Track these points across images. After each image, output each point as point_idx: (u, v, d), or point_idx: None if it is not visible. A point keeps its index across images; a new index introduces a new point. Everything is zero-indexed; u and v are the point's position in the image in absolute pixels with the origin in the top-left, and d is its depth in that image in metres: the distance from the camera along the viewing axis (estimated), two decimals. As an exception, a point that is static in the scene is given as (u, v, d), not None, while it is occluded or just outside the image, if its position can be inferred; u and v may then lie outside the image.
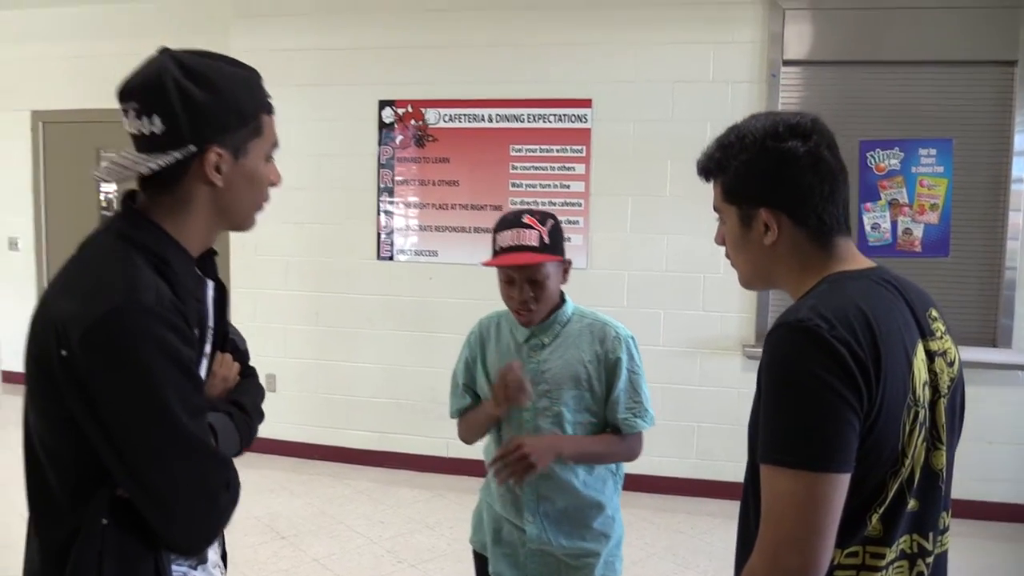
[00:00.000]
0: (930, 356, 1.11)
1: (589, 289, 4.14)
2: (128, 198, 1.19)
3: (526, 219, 1.82)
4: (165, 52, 1.16)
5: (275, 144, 1.25)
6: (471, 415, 2.00)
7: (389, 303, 4.76)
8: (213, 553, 1.31)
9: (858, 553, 1.06)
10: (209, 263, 1.28)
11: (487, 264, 1.84)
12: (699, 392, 4.34)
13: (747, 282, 1.26)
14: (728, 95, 4.25)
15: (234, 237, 4.94)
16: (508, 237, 1.81)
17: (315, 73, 4.77)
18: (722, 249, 1.28)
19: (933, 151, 4.04)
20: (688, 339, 4.37)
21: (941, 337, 1.15)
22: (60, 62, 5.97)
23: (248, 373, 1.40)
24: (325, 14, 4.74)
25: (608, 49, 4.38)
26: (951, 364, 1.15)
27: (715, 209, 1.25)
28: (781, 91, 4.21)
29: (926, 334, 1.12)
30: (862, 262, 1.17)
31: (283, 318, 4.91)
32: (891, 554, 1.08)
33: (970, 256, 4.14)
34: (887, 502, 1.05)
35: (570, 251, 1.90)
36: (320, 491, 4.42)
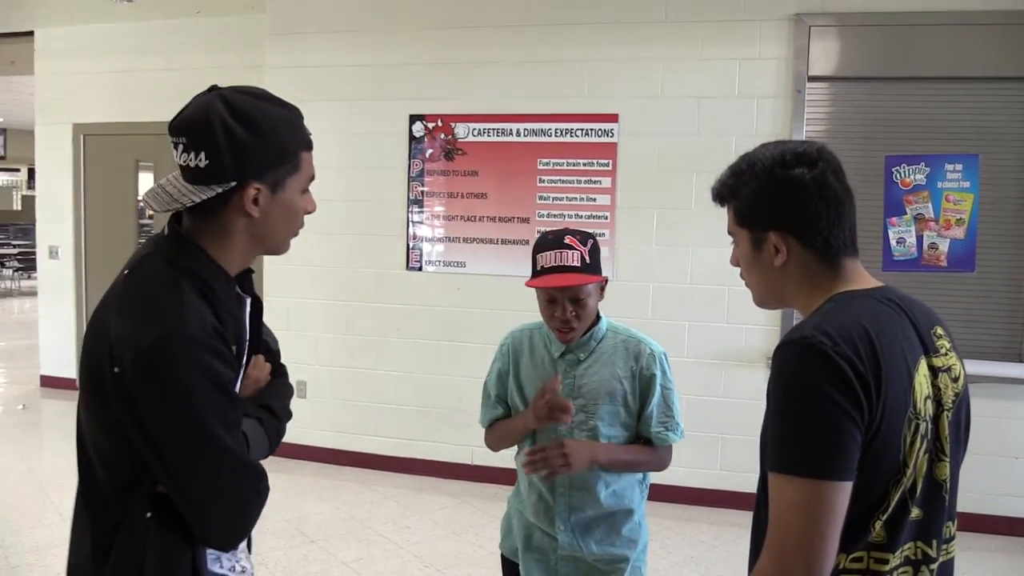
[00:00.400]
0: (933, 372, 1.17)
1: (615, 301, 4.16)
2: (175, 220, 1.29)
3: (568, 240, 1.86)
4: (215, 90, 1.25)
5: (312, 177, 1.34)
6: (503, 425, 2.04)
7: (417, 313, 4.86)
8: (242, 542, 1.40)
9: (863, 558, 1.12)
10: (247, 280, 1.39)
11: (531, 284, 1.88)
12: (724, 404, 4.38)
13: (760, 301, 1.33)
14: (754, 110, 4.30)
15: (268, 247, 5.07)
16: (551, 257, 1.85)
17: (348, 88, 4.89)
18: None
19: (959, 166, 4.04)
20: (713, 351, 4.41)
21: (946, 354, 1.20)
22: (101, 76, 6.17)
23: (279, 372, 1.51)
24: (358, 32, 4.87)
25: (635, 65, 4.46)
26: (955, 380, 1.20)
27: (729, 233, 1.32)
28: (807, 107, 4.26)
29: (929, 351, 1.18)
30: (869, 282, 1.23)
31: (314, 326, 5.02)
32: (895, 560, 1.13)
33: (996, 271, 4.15)
34: (889, 510, 1.11)
35: (600, 262, 1.95)
36: (348, 496, 4.51)
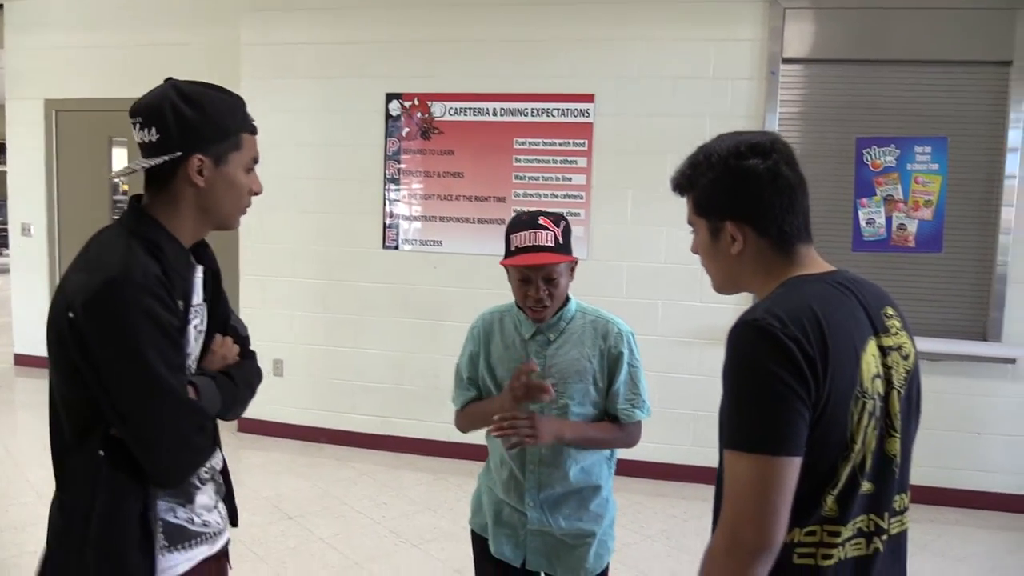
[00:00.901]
0: (883, 351, 1.22)
1: (589, 280, 4.23)
2: (135, 199, 1.45)
3: (541, 220, 1.91)
4: (169, 81, 1.43)
5: (255, 159, 1.49)
6: (475, 407, 2.08)
7: (394, 291, 4.88)
8: (205, 497, 1.51)
9: (816, 532, 1.17)
10: (202, 251, 1.54)
11: (504, 263, 1.93)
12: (695, 381, 4.44)
13: (719, 287, 1.38)
14: (728, 91, 4.34)
15: (244, 225, 5.05)
16: (524, 238, 1.89)
17: (324, 66, 4.86)
18: None
19: (928, 149, 4.12)
20: (685, 329, 4.47)
21: (896, 333, 1.25)
22: (74, 51, 6.07)
23: (248, 356, 1.62)
24: (334, 9, 4.83)
25: (611, 45, 4.47)
26: (905, 358, 1.25)
27: (688, 222, 1.37)
28: (780, 88, 4.30)
29: (879, 331, 1.23)
30: (822, 266, 1.28)
31: (290, 304, 5.03)
32: (847, 532, 1.18)
33: (963, 251, 4.23)
34: (839, 484, 1.16)
35: (571, 242, 1.98)
36: (326, 473, 4.55)
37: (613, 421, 2.00)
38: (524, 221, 1.92)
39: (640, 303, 4.46)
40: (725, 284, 1.36)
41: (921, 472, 4.39)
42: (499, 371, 2.04)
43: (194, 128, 1.37)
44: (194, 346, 1.48)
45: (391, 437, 4.93)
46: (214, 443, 1.46)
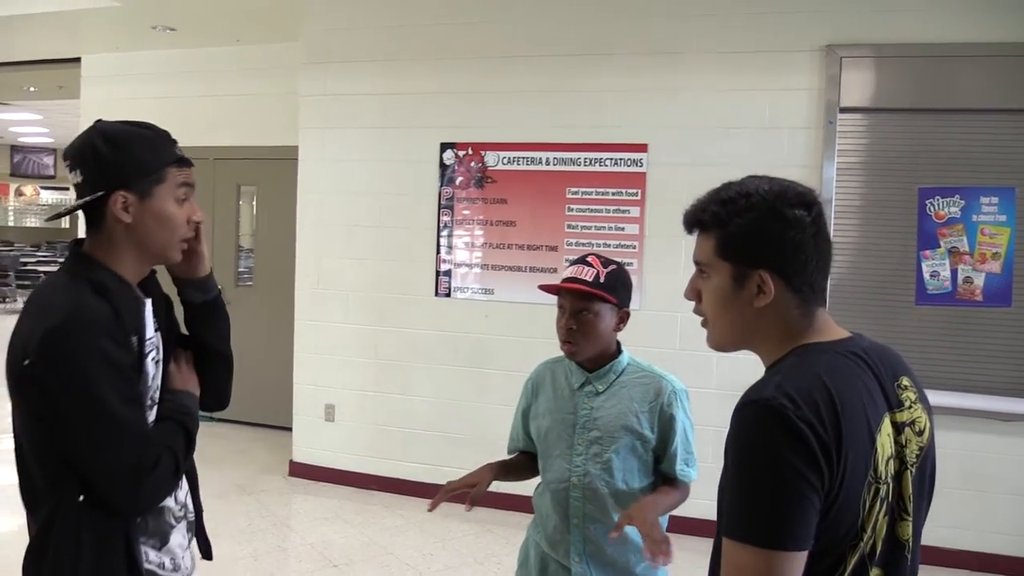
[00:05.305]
0: (897, 428, 1.14)
1: (642, 331, 4.17)
2: (74, 243, 1.51)
3: (590, 259, 1.95)
4: (98, 122, 1.47)
5: (184, 186, 1.49)
6: (514, 463, 2.14)
7: (445, 339, 4.88)
8: (180, 536, 1.55)
9: None
10: (151, 283, 1.56)
11: (541, 287, 2.01)
12: (752, 436, 4.30)
13: (719, 341, 1.26)
14: (784, 141, 4.29)
15: (299, 272, 5.15)
16: (570, 271, 1.94)
17: (380, 116, 4.97)
18: None
19: (995, 199, 4.00)
20: (741, 383, 4.31)
21: (910, 407, 1.17)
22: (144, 102, 6.34)
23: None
24: (390, 61, 4.96)
25: (664, 95, 4.48)
26: (919, 433, 1.17)
27: (697, 262, 1.25)
28: (838, 138, 4.23)
29: (893, 406, 1.14)
30: (837, 332, 1.19)
31: (343, 350, 5.07)
32: None
33: (1034, 306, 4.06)
34: (847, 573, 1.08)
35: (620, 289, 1.96)
36: (374, 521, 4.52)
37: (667, 482, 1.96)
38: (577, 258, 1.98)
39: (694, 355, 4.35)
40: (730, 339, 1.24)
41: (1011, 540, 4.15)
42: (543, 420, 2.03)
43: (113, 166, 1.41)
44: (155, 375, 1.52)
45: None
46: (176, 475, 1.47)
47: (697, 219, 1.23)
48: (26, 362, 1.32)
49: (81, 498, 1.35)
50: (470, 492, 1.97)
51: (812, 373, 1.09)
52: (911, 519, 1.14)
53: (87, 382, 1.32)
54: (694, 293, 1.27)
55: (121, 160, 1.42)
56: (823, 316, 1.19)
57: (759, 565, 1.02)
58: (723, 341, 1.26)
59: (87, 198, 1.41)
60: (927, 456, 1.18)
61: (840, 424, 1.04)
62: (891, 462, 1.11)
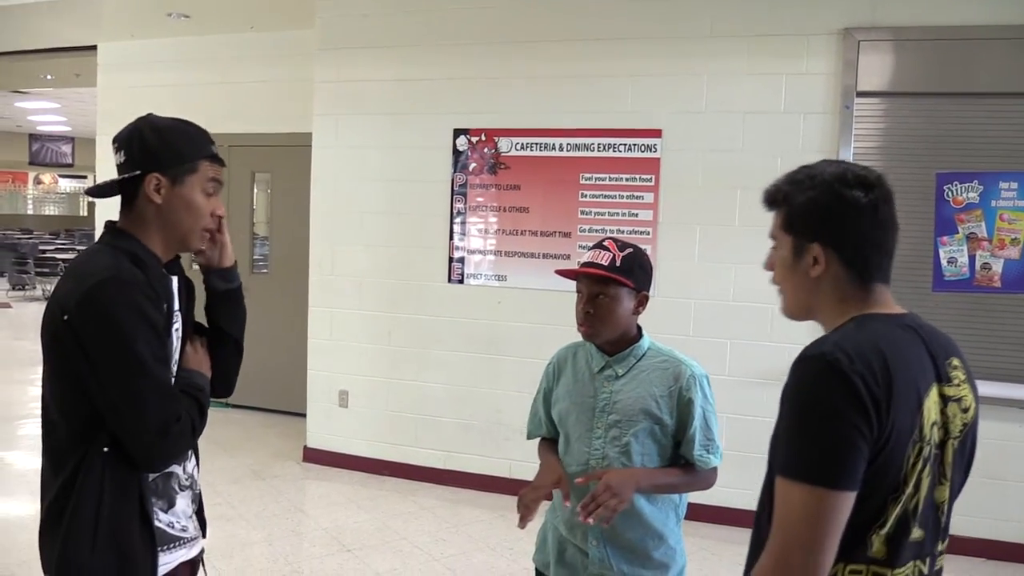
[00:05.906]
0: (944, 400, 1.23)
1: (656, 316, 4.15)
2: (111, 222, 1.62)
3: (607, 243, 1.96)
4: (148, 115, 1.61)
5: (213, 182, 1.61)
6: (542, 452, 2.10)
7: (458, 325, 4.89)
8: (184, 503, 1.64)
9: (862, 571, 1.18)
10: (176, 267, 1.67)
11: (558, 272, 2.04)
12: (767, 423, 4.25)
13: (789, 309, 1.38)
14: (800, 126, 4.25)
15: (312, 258, 5.17)
16: (588, 256, 1.96)
17: (393, 103, 4.97)
18: None
19: (1015, 184, 3.93)
20: (756, 370, 4.34)
21: (959, 385, 1.26)
22: (159, 89, 6.37)
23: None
24: (404, 47, 4.94)
25: (678, 80, 4.44)
26: (965, 411, 1.26)
27: (771, 236, 1.38)
28: (855, 122, 4.19)
29: (943, 379, 1.24)
30: (894, 308, 1.29)
31: (356, 336, 5.09)
32: None
33: (1054, 293, 4.00)
34: (888, 525, 1.17)
35: (638, 273, 1.97)
36: (387, 506, 4.55)
37: (686, 466, 1.96)
38: (595, 243, 1.99)
39: (708, 342, 4.35)
40: (796, 307, 1.36)
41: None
42: (563, 403, 2.03)
43: (152, 151, 1.54)
44: (176, 348, 1.62)
45: (452, 472, 4.91)
46: (194, 436, 1.57)
47: (773, 197, 1.36)
48: (65, 317, 1.41)
49: (106, 449, 1.44)
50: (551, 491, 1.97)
51: (869, 336, 1.19)
52: (948, 484, 1.24)
53: (125, 335, 1.41)
54: (770, 264, 1.39)
55: (161, 147, 1.55)
56: (882, 292, 1.29)
57: (811, 502, 1.11)
58: (790, 307, 1.38)
59: (126, 175, 1.55)
60: (970, 433, 1.28)
61: (891, 381, 1.13)
62: (936, 429, 1.20)
